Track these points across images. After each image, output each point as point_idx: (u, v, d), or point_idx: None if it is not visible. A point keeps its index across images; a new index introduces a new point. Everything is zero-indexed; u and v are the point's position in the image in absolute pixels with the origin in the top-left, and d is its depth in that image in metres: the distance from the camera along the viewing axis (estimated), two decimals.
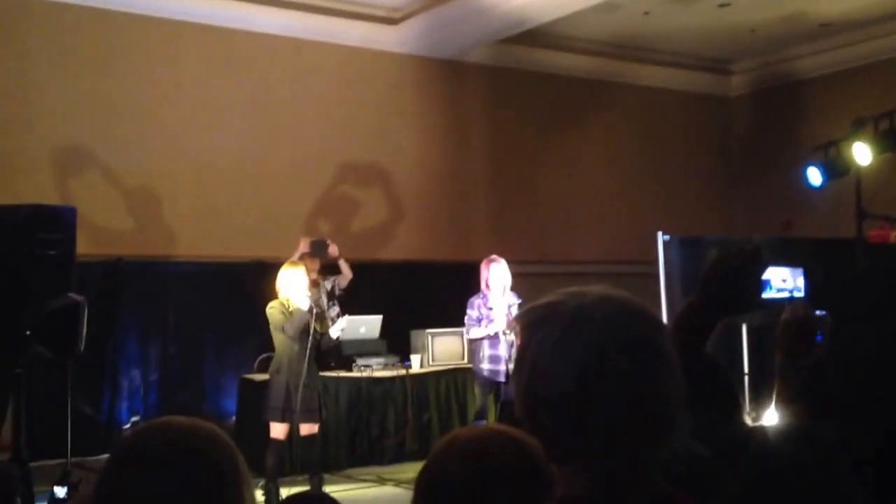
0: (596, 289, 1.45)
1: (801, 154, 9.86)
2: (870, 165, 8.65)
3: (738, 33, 11.74)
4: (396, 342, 9.66)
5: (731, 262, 2.02)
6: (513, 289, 8.03)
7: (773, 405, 2.41)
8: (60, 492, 6.16)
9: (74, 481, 6.20)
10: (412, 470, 8.24)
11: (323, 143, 10.49)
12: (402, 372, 9.32)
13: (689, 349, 1.76)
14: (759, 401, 6.55)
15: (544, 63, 11.85)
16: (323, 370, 8.12)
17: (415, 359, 9.53)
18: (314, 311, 7.24)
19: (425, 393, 9.40)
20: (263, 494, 6.95)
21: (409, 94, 11.15)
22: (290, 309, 7.18)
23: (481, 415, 8.14)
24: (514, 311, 7.73)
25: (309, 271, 7.56)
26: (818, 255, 7.79)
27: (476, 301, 8.07)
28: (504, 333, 7.83)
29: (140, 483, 1.56)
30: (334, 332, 7.54)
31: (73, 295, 5.85)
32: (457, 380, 9.54)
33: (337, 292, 8.96)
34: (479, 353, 8.05)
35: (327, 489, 6.98)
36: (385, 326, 9.51)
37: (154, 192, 9.59)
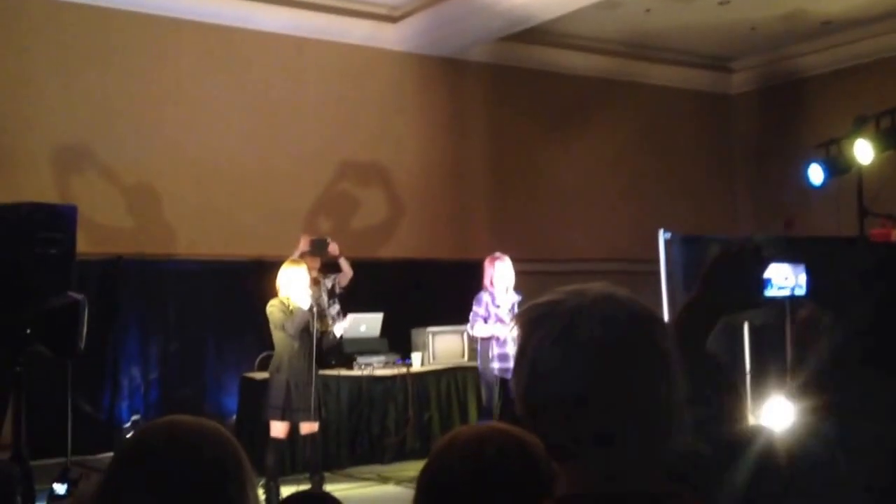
0: (596, 287, 1.44)
1: (802, 152, 9.85)
2: (871, 163, 8.65)
3: (739, 31, 11.74)
4: (397, 340, 9.66)
5: (731, 259, 2.02)
6: (514, 287, 8.02)
7: (783, 398, 2.42)
8: (60, 488, 6.16)
9: (74, 477, 6.19)
10: (413, 468, 8.23)
11: (323, 141, 10.48)
12: (403, 370, 9.32)
13: (689, 347, 1.75)
14: (761, 399, 6.54)
15: (545, 61, 11.84)
16: (323, 368, 8.11)
17: (415, 357, 9.53)
18: (314, 309, 7.24)
19: (426, 391, 9.40)
20: (264, 493, 6.94)
21: (409, 92, 11.14)
22: (291, 307, 7.18)
23: (487, 415, 8.10)
24: (517, 309, 7.73)
25: (309, 270, 7.56)
26: (820, 253, 7.76)
27: (484, 298, 8.05)
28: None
29: (145, 481, 1.56)
30: (338, 329, 7.53)
31: (73, 293, 5.83)
32: (457, 378, 9.53)
33: (337, 291, 8.95)
34: (488, 353, 8.03)
35: (328, 488, 6.98)
36: (386, 325, 9.51)
37: (154, 191, 9.59)
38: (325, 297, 8.54)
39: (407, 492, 7.58)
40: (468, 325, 8.20)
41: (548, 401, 1.38)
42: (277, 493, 6.97)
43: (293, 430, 7.33)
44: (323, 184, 10.54)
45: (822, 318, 2.47)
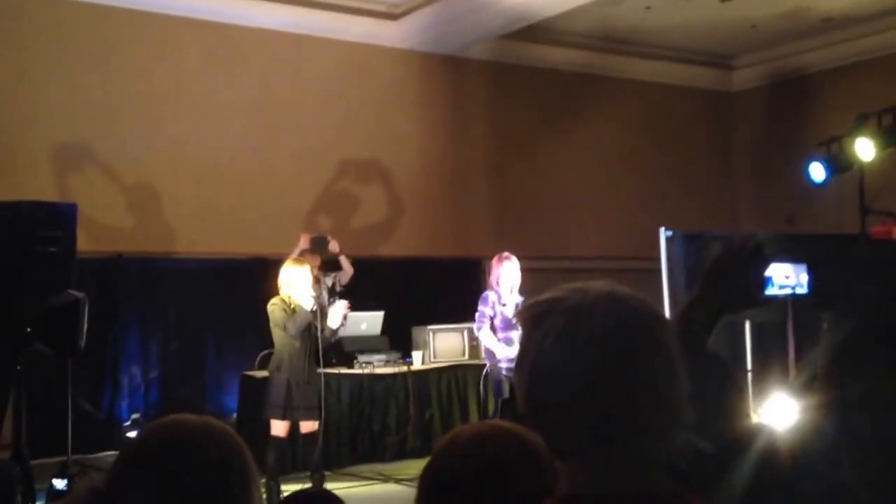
0: (598, 285, 1.44)
1: (803, 150, 9.85)
2: (873, 161, 8.64)
3: (740, 28, 11.72)
4: (398, 339, 9.65)
5: (733, 257, 2.01)
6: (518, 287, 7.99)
7: (785, 396, 2.42)
8: (59, 483, 6.17)
9: (73, 473, 6.20)
10: (414, 467, 8.23)
11: (323, 139, 10.47)
12: (404, 369, 9.31)
13: (691, 345, 1.74)
14: (762, 397, 6.54)
15: (546, 59, 11.83)
16: (324, 367, 8.09)
17: (416, 355, 9.52)
18: (316, 309, 7.24)
19: (427, 390, 9.39)
20: (265, 492, 6.94)
21: (410, 89, 11.13)
22: (292, 306, 7.17)
23: (493, 418, 8.06)
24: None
25: (310, 268, 7.55)
26: (821, 251, 7.77)
27: (490, 297, 8.03)
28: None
29: (151, 480, 1.57)
30: (333, 322, 7.48)
31: (73, 292, 5.83)
32: (458, 376, 9.53)
33: (338, 289, 8.95)
34: (497, 354, 8.00)
35: (329, 487, 6.97)
36: (386, 323, 9.51)
37: (154, 189, 9.58)
38: (325, 296, 8.53)
39: (408, 490, 7.59)
40: (475, 325, 8.17)
41: (550, 399, 1.37)
42: (278, 491, 6.96)
43: (293, 428, 7.32)
44: (323, 182, 10.54)
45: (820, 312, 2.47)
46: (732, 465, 1.81)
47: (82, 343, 5.80)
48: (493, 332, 8.00)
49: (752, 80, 13.30)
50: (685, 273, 7.86)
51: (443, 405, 9.45)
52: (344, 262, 8.81)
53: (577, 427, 1.36)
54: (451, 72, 11.38)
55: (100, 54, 9.39)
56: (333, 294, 8.87)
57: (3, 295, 5.71)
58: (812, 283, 6.78)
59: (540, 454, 1.61)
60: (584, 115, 12.18)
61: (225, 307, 9.69)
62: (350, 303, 7.74)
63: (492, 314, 8.00)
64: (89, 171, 9.27)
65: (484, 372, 8.63)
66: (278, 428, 7.16)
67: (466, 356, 9.58)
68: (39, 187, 8.25)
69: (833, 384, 2.01)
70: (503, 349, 7.90)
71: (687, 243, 8.03)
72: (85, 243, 7.07)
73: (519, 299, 7.86)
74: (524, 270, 8.05)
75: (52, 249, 6.04)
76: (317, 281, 7.67)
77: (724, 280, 1.98)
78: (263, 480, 6.92)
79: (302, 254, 8.28)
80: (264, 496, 6.93)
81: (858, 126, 8.66)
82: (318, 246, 8.54)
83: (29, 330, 5.57)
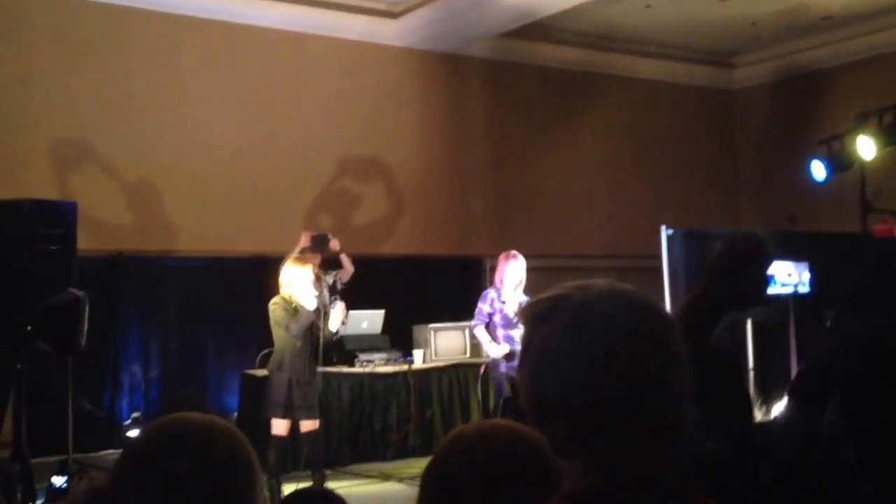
0: (602, 282, 1.43)
1: (804, 148, 9.84)
2: (874, 159, 8.63)
3: (740, 26, 11.72)
4: (399, 337, 9.64)
5: (736, 255, 2.00)
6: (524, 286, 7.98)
7: (787, 395, 2.41)
8: (59, 480, 6.17)
9: (73, 472, 6.20)
10: (415, 466, 8.23)
11: (323, 137, 10.46)
12: (405, 367, 9.30)
13: (694, 343, 1.74)
14: (764, 395, 6.53)
15: (546, 57, 11.82)
16: (325, 365, 8.10)
17: (417, 354, 9.51)
18: (319, 309, 7.24)
19: (428, 388, 9.38)
20: (266, 491, 6.93)
21: (409, 87, 11.12)
22: (293, 305, 7.16)
23: (494, 416, 8.05)
24: None
25: (311, 266, 7.55)
26: (823, 249, 7.77)
27: (489, 294, 8.03)
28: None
29: (155, 478, 1.56)
30: (333, 325, 7.50)
31: (73, 290, 5.83)
32: (459, 375, 9.52)
33: (339, 287, 8.94)
34: (490, 354, 8.00)
35: (330, 485, 6.96)
36: (387, 321, 9.50)
37: (154, 187, 9.57)
38: (326, 294, 8.53)
39: (409, 489, 7.58)
40: (472, 323, 8.18)
41: (554, 397, 1.36)
42: (279, 490, 6.95)
43: (294, 427, 7.32)
44: (323, 179, 10.53)
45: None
46: (736, 463, 1.81)
47: (82, 341, 5.80)
48: (493, 330, 7.99)
49: (753, 79, 13.29)
50: (686, 271, 7.85)
51: (444, 404, 9.44)
52: (345, 260, 8.80)
53: (582, 425, 1.35)
54: (452, 70, 11.37)
55: (100, 52, 9.38)
56: (334, 292, 8.86)
57: (4, 293, 5.71)
58: (814, 281, 6.78)
59: (543, 452, 1.60)
60: (585, 114, 12.18)
61: (225, 306, 9.68)
62: (346, 303, 7.75)
63: (490, 311, 8.00)
64: (90, 169, 9.26)
65: (481, 370, 8.63)
66: (279, 427, 7.16)
67: (468, 355, 9.57)
68: (39, 186, 8.24)
69: (835, 382, 2.00)
70: (496, 348, 7.90)
71: (688, 242, 8.02)
72: (85, 242, 7.07)
73: (524, 298, 7.83)
74: (526, 269, 8.04)
75: (53, 248, 6.04)
76: (317, 279, 7.66)
77: (727, 278, 1.97)
78: (264, 479, 6.92)
79: (303, 252, 8.27)
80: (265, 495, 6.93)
81: (859, 124, 8.65)
82: (318, 244, 8.53)
83: (29, 328, 5.57)
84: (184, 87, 9.77)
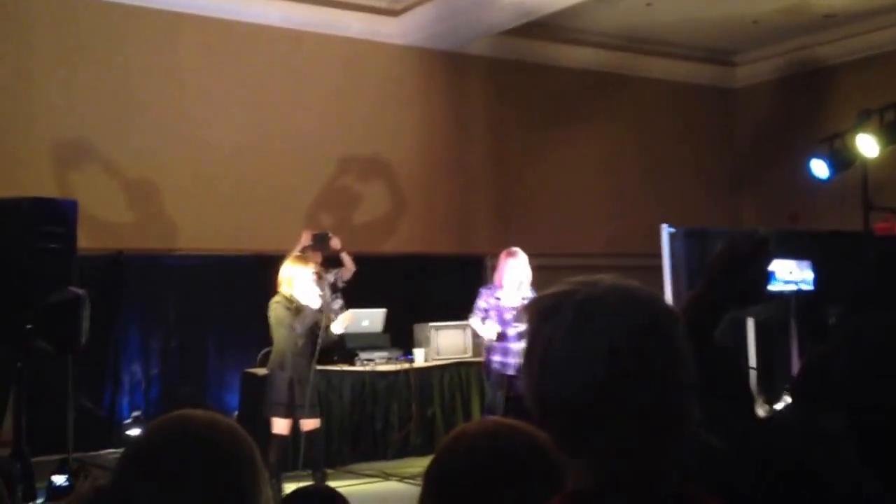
0: (607, 278, 1.42)
1: (806, 146, 9.82)
2: (876, 157, 8.61)
3: (741, 25, 11.70)
4: (400, 336, 9.63)
5: (737, 253, 1.99)
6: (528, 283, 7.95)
7: (788, 393, 2.41)
8: (59, 479, 6.16)
9: (74, 470, 6.19)
10: (416, 465, 8.22)
11: (324, 136, 10.45)
12: (406, 366, 9.29)
13: (695, 341, 1.72)
14: (766, 394, 6.53)
15: (546, 55, 11.81)
16: (326, 364, 8.08)
17: (418, 353, 9.49)
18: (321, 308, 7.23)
19: (429, 387, 9.37)
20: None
21: (410, 86, 11.11)
22: (295, 304, 7.15)
23: (490, 410, 8.06)
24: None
25: (312, 265, 7.54)
26: (824, 248, 7.77)
27: (486, 291, 8.02)
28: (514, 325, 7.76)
29: (158, 476, 1.56)
30: (336, 328, 7.50)
31: (74, 289, 5.83)
32: (461, 374, 9.51)
33: (340, 285, 8.93)
34: (491, 346, 8.00)
35: (331, 484, 6.95)
36: (388, 320, 9.48)
37: (155, 185, 9.56)
38: (327, 292, 8.52)
39: (410, 488, 7.57)
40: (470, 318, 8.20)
41: (560, 394, 1.35)
42: (280, 489, 6.95)
43: (295, 426, 7.31)
44: (324, 178, 10.52)
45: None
46: (739, 462, 1.80)
47: (83, 340, 5.80)
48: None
49: (755, 77, 13.28)
50: (687, 270, 7.85)
51: (445, 402, 9.43)
52: (345, 258, 8.79)
53: (588, 423, 1.34)
54: (452, 68, 11.36)
55: (100, 50, 9.37)
56: (335, 291, 8.85)
57: (4, 292, 5.70)
58: (816, 280, 6.78)
59: (546, 451, 1.59)
60: (586, 112, 12.16)
61: (226, 304, 9.68)
62: (347, 302, 7.74)
63: (486, 307, 8.00)
64: (90, 167, 9.25)
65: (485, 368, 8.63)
66: (281, 426, 7.15)
67: (469, 353, 9.56)
68: (40, 184, 8.22)
69: (837, 380, 2.00)
70: (487, 328, 7.85)
71: (689, 240, 8.02)
72: (85, 240, 7.06)
73: (528, 294, 7.79)
74: None
75: (53, 246, 6.03)
76: (318, 278, 7.65)
77: (728, 276, 1.96)
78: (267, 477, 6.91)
79: (303, 250, 8.26)
80: None
81: (861, 123, 8.63)
82: (319, 243, 8.52)
83: (29, 327, 5.56)
84: (184, 85, 9.76)
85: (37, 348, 5.67)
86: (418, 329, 9.68)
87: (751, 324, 7.63)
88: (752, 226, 11.35)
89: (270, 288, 7.38)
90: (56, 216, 6.24)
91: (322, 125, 10.44)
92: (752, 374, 7.35)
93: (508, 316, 7.83)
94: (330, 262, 8.91)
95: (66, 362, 7.14)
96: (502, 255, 8.05)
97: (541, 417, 1.40)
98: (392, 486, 8.15)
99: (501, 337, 7.80)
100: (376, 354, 9.24)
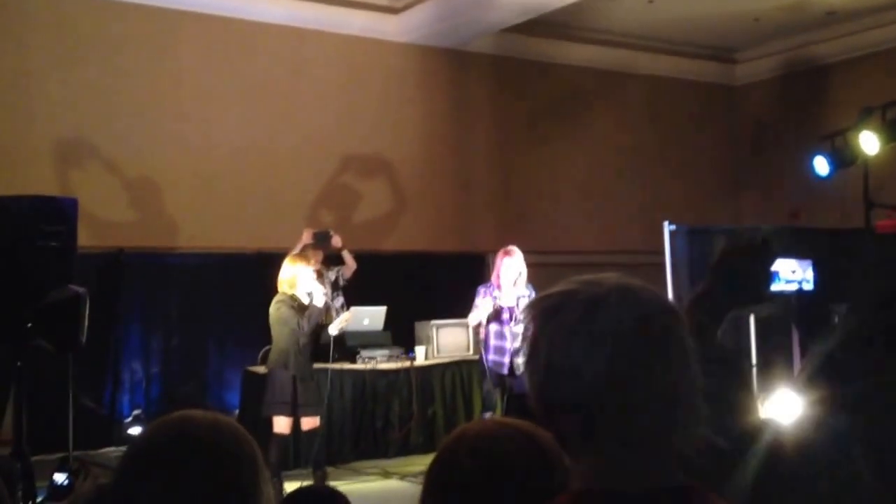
0: (612, 277, 1.41)
1: (808, 143, 9.81)
2: (877, 155, 8.60)
3: (743, 22, 11.70)
4: (401, 334, 9.62)
5: (740, 253, 1.99)
6: (525, 281, 7.95)
7: (791, 391, 2.41)
8: (60, 477, 6.14)
9: (74, 469, 6.17)
10: (417, 463, 8.22)
11: (325, 134, 10.45)
12: (407, 364, 9.28)
13: (698, 340, 1.72)
14: (768, 392, 6.52)
15: (548, 53, 11.81)
16: (326, 362, 8.07)
17: (419, 351, 9.48)
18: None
19: (430, 385, 9.35)
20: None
21: (411, 83, 11.11)
22: (298, 303, 7.14)
23: (488, 406, 8.07)
24: (523, 303, 7.62)
25: (313, 262, 7.54)
26: (826, 245, 7.75)
27: (484, 289, 8.02)
28: (512, 324, 7.76)
29: (159, 476, 1.56)
30: (333, 329, 7.50)
31: (74, 287, 5.80)
32: (462, 372, 9.49)
33: (341, 283, 8.93)
34: (486, 344, 7.99)
35: (331, 483, 6.95)
36: (389, 318, 9.47)
37: (155, 184, 9.56)
38: (329, 290, 8.52)
39: (411, 487, 7.57)
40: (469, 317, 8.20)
41: (564, 395, 1.34)
42: (280, 488, 6.93)
43: (295, 425, 7.30)
44: (325, 176, 10.52)
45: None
46: (741, 460, 1.80)
47: (83, 339, 5.77)
48: (486, 324, 7.97)
49: (756, 74, 13.27)
50: (689, 267, 7.84)
51: (446, 401, 9.42)
52: (347, 256, 8.79)
53: (592, 423, 1.33)
54: (453, 66, 11.35)
55: (100, 49, 9.37)
56: (337, 289, 8.85)
57: (4, 290, 5.69)
58: (818, 278, 6.76)
59: (550, 450, 1.58)
60: (587, 110, 12.16)
61: (226, 302, 9.68)
62: (348, 301, 7.74)
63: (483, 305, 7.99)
64: (90, 165, 9.25)
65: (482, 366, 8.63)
66: (282, 425, 7.14)
67: (470, 351, 9.54)
68: (40, 182, 8.21)
69: (839, 379, 1.99)
70: (481, 308, 7.83)
71: (690, 237, 8.01)
72: (86, 238, 7.03)
73: (525, 292, 7.77)
74: (528, 265, 8.01)
75: (53, 244, 6.01)
76: (320, 276, 7.64)
77: (731, 275, 1.96)
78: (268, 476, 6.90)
79: (304, 248, 8.26)
80: None
81: (862, 120, 8.61)
82: (320, 241, 8.52)
83: (29, 326, 5.54)
84: (184, 83, 9.76)
85: (37, 347, 5.65)
86: (419, 327, 9.67)
87: (753, 323, 7.62)
88: (753, 223, 11.35)
89: (271, 286, 7.37)
90: (56, 214, 6.22)
91: (323, 123, 10.44)
92: (755, 373, 7.34)
93: (505, 315, 7.82)
94: (331, 260, 8.92)
95: (67, 361, 7.13)
96: (499, 255, 8.03)
97: (545, 417, 1.40)
98: (393, 484, 8.15)
99: (497, 313, 7.76)
100: (377, 352, 9.22)
